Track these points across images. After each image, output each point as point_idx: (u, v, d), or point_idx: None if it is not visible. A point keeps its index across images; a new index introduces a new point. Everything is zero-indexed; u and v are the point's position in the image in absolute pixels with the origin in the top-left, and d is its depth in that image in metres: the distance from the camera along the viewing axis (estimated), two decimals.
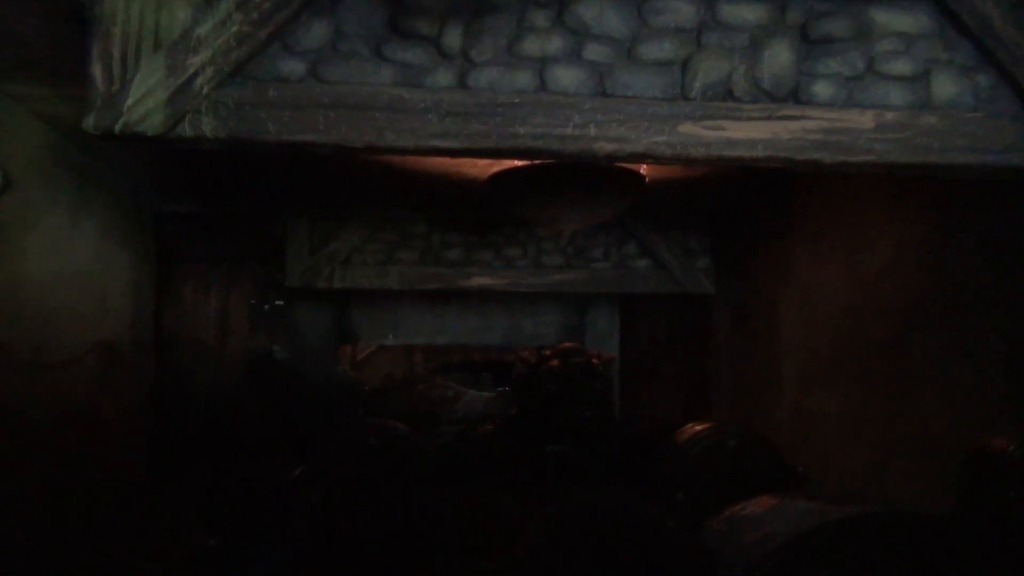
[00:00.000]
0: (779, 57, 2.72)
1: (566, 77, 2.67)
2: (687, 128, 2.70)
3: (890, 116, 2.77)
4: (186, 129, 2.53)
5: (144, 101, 2.49)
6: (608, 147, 2.69)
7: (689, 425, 3.81)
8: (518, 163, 4.84)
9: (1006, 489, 2.29)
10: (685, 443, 3.67)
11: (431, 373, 15.47)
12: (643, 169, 4.61)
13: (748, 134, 2.72)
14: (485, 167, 5.27)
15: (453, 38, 2.64)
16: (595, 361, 6.60)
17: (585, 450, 5.29)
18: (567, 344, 10.93)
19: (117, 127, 2.49)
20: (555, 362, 9.04)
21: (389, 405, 11.25)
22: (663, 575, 1.58)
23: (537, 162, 4.54)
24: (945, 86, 2.78)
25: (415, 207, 6.54)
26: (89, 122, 2.49)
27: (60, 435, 4.60)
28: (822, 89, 2.77)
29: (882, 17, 2.78)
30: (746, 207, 6.24)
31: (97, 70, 2.46)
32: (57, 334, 4.62)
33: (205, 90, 2.51)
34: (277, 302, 9.19)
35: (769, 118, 2.72)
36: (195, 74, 2.47)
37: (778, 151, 2.73)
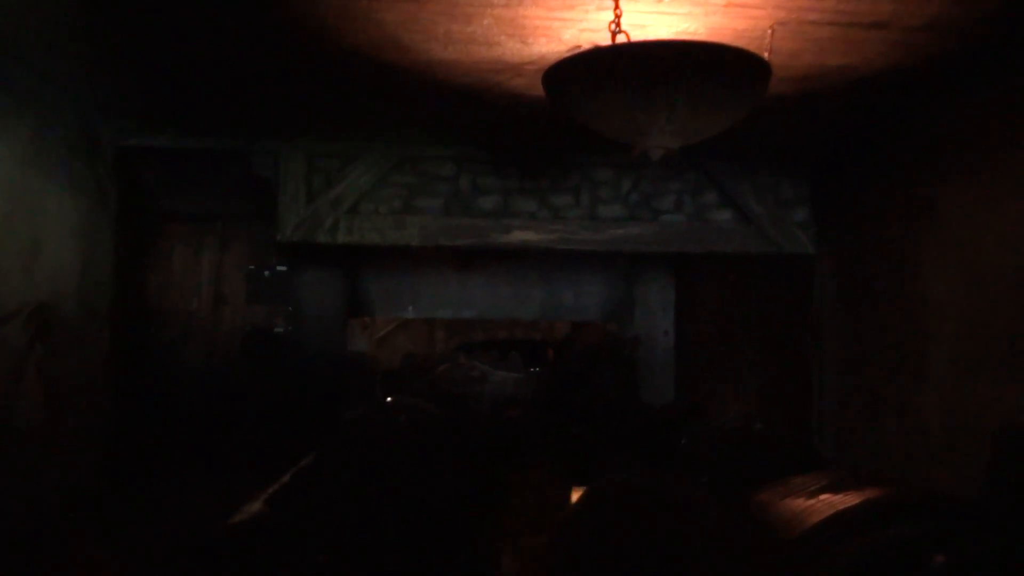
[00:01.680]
0: None
1: None
2: None
3: None
4: None
5: None
6: None
7: (711, 408, 3.85)
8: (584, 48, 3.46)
9: None
10: (711, 425, 3.52)
11: (455, 352, 14.46)
12: (766, 54, 3.20)
13: None
14: (534, 74, 3.91)
15: None
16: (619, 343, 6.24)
17: (608, 432, 5.18)
18: (592, 325, 10.12)
19: None
20: (579, 344, 8.71)
21: (408, 387, 10.16)
22: (700, 550, 1.43)
23: (619, 42, 3.16)
24: None
25: (440, 141, 5.18)
26: None
27: None
28: None
29: None
30: (861, 138, 4.82)
31: None
32: None
33: None
34: (279, 267, 7.97)
35: None
36: None
37: None
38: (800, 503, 1.35)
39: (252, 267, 7.90)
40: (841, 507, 1.27)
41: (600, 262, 8.37)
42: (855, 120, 4.63)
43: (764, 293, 6.16)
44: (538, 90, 4.11)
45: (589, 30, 3.47)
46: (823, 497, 1.33)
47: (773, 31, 3.40)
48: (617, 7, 3.09)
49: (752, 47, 3.42)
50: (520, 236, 5.28)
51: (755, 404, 6.08)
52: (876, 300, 4.70)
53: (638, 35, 3.33)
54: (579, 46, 3.62)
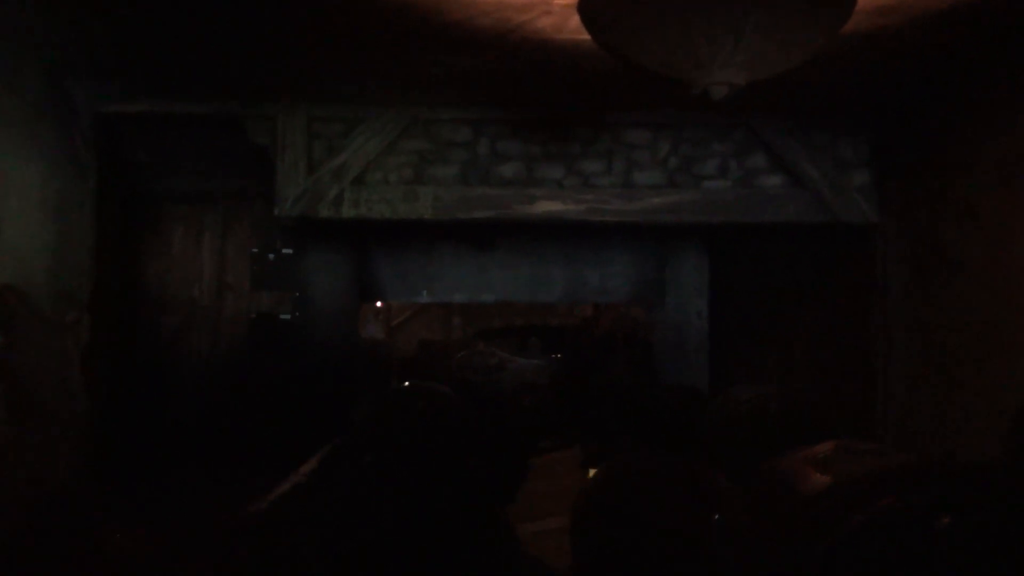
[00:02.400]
0: None
1: None
2: None
3: None
4: None
5: None
6: None
7: (728, 389, 3.50)
8: None
9: None
10: (726, 406, 3.36)
11: (472, 338, 14.07)
12: None
13: None
14: (564, 10, 3.33)
15: None
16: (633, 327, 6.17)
17: (622, 416, 4.85)
18: (609, 309, 9.83)
19: None
20: (594, 329, 8.80)
21: (424, 375, 9.72)
22: (712, 520, 1.56)
23: None
24: None
25: (454, 101, 4.61)
26: None
27: None
28: None
29: None
30: (939, 86, 4.21)
31: None
32: None
33: None
34: (284, 250, 7.48)
35: None
36: None
37: None
38: (809, 472, 1.35)
39: (256, 250, 7.42)
40: (849, 474, 1.25)
41: (628, 240, 7.80)
42: (933, 63, 4.02)
43: (817, 267, 5.56)
44: (569, 32, 3.56)
45: None
46: (833, 466, 1.32)
47: None
48: None
49: None
50: (545, 207, 4.72)
51: (809, 390, 5.50)
52: (954, 272, 4.10)
53: None
54: None
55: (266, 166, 4.85)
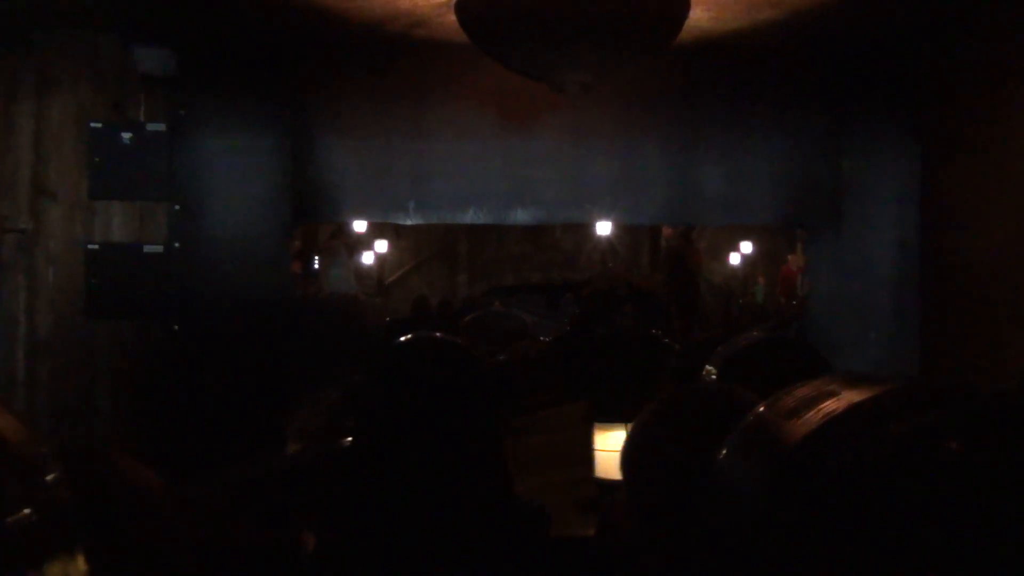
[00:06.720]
0: None
1: None
2: None
3: None
4: None
5: None
6: None
7: (741, 334, 3.21)
8: None
9: None
10: (734, 351, 3.05)
11: (485, 295, 11.51)
12: None
13: None
14: None
15: None
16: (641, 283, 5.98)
17: (630, 369, 5.01)
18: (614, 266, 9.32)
19: None
20: (601, 283, 8.65)
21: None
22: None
23: None
24: None
25: None
26: None
27: None
28: None
29: None
30: None
31: None
32: None
33: None
34: (151, 126, 4.23)
35: None
36: None
37: None
38: (811, 402, 1.25)
39: (99, 125, 4.09)
40: (852, 401, 1.20)
41: (778, 109, 4.33)
42: None
43: None
44: None
45: None
46: (837, 393, 1.24)
47: None
48: None
49: None
50: None
51: None
52: None
53: None
54: None
55: None
